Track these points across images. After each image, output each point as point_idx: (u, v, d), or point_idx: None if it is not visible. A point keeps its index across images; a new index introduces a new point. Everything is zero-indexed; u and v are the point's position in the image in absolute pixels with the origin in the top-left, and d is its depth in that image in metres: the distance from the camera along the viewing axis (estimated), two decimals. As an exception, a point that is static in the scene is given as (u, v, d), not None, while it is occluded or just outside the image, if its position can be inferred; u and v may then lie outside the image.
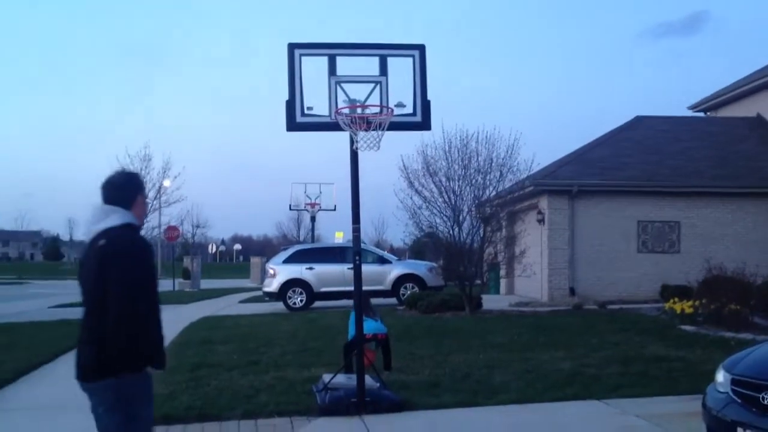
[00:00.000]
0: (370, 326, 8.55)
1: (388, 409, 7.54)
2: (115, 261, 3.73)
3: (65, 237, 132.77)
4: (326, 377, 8.28)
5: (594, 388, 8.43)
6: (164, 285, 38.21)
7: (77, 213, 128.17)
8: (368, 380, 7.95)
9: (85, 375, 3.87)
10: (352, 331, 8.58)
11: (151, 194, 29.29)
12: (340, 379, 8.07)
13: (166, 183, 30.94)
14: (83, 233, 4.00)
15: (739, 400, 4.77)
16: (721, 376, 5.12)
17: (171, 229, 38.77)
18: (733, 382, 4.90)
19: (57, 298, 28.11)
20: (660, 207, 21.47)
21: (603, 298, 19.63)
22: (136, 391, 3.82)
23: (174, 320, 17.96)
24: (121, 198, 3.95)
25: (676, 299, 15.45)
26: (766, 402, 4.52)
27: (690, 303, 14.68)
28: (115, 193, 3.97)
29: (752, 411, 4.60)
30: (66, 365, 11.41)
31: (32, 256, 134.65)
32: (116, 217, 3.88)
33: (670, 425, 6.75)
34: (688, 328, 13.66)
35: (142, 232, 4.13)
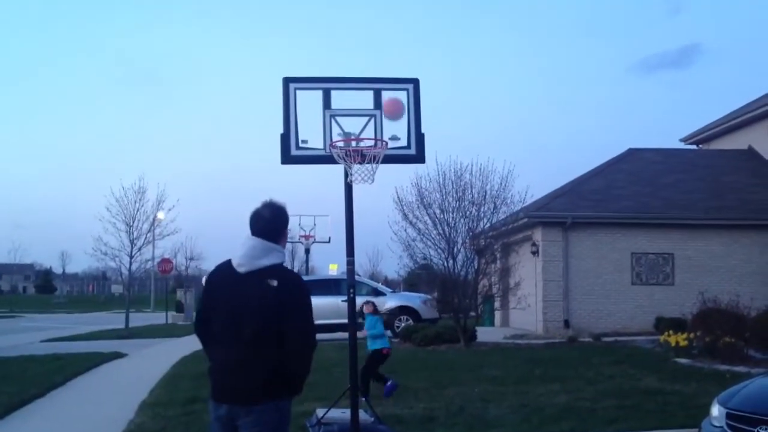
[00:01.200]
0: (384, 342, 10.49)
1: (383, 444, 7.48)
2: (295, 300, 4.00)
3: (58, 270, 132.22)
4: (320, 412, 8.22)
5: (589, 422, 8.39)
6: (157, 318, 38.09)
7: (70, 246, 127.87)
8: (362, 415, 7.88)
9: (245, 400, 3.98)
10: (371, 345, 10.61)
11: (144, 227, 29.11)
12: (334, 413, 8.01)
13: (160, 215, 30.79)
14: (238, 264, 4.07)
15: (735, 434, 4.75)
16: (716, 410, 5.10)
17: (164, 261, 38.66)
18: (728, 416, 4.89)
19: (49, 332, 27.94)
20: (653, 239, 21.54)
21: (598, 330, 19.60)
22: (286, 416, 4.08)
23: (167, 353, 17.86)
24: (272, 231, 4.13)
25: (671, 332, 15.43)
26: (761, 436, 4.50)
27: (684, 336, 14.66)
28: (267, 226, 4.13)
29: (748, 445, 4.59)
30: (59, 400, 11.34)
31: (24, 289, 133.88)
32: (276, 256, 4.10)
33: (666, 459, 6.71)
34: (682, 360, 13.62)
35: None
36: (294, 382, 4.05)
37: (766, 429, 4.50)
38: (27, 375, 13.57)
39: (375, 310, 11.18)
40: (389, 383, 10.48)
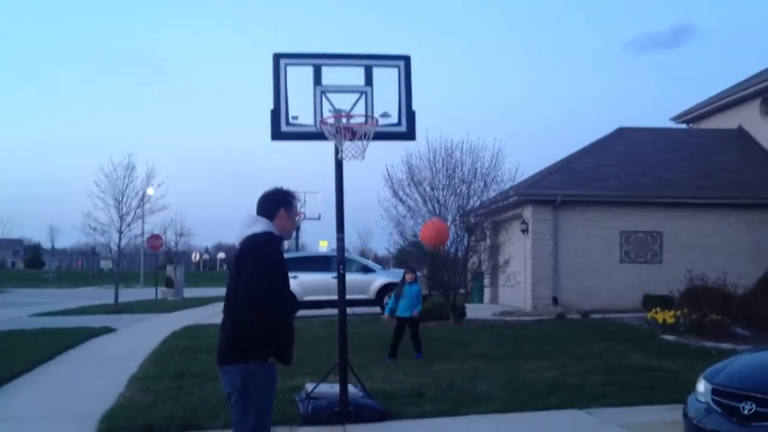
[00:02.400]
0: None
1: (371, 419, 7.53)
2: (246, 260, 4.31)
3: (47, 245, 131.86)
4: (309, 386, 8.27)
5: (577, 398, 8.46)
6: (147, 294, 38.07)
7: (59, 221, 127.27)
8: (351, 389, 7.94)
9: (218, 359, 4.37)
10: (401, 311, 12.02)
11: (133, 203, 28.98)
12: (323, 388, 8.05)
13: (150, 191, 30.69)
14: (234, 238, 4.69)
15: (720, 410, 4.81)
16: (701, 386, 5.16)
17: (154, 237, 38.55)
18: (714, 392, 4.94)
19: (38, 307, 27.92)
20: (642, 217, 21.63)
21: (586, 307, 19.72)
22: (259, 379, 4.28)
23: (156, 329, 17.90)
24: (265, 210, 4.54)
25: (658, 309, 15.55)
26: (745, 412, 4.56)
27: (672, 313, 14.78)
28: (262, 205, 4.57)
29: (732, 420, 4.64)
30: (48, 374, 11.36)
31: (13, 264, 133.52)
32: (260, 226, 4.45)
33: (652, 435, 6.79)
34: (669, 337, 13.74)
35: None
36: (249, 343, 4.20)
37: (750, 404, 4.55)
38: (16, 349, 13.58)
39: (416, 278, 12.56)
40: (391, 359, 11.55)
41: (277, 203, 4.57)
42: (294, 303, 4.72)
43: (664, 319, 14.74)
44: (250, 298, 4.18)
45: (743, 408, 4.58)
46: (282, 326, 4.30)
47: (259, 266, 4.25)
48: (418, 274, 21.87)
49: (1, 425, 7.91)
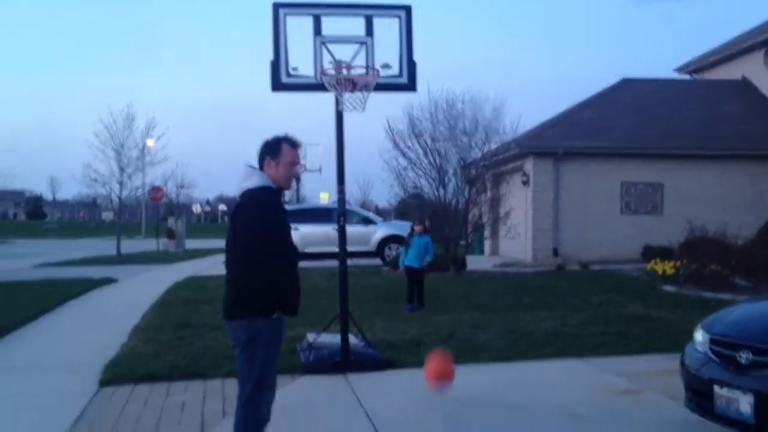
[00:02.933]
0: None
1: (372, 368, 7.61)
2: (241, 216, 4.32)
3: (48, 196, 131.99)
4: (311, 336, 8.35)
5: (575, 347, 8.55)
6: (149, 245, 38.21)
7: (60, 172, 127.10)
8: (352, 339, 8.01)
9: (224, 313, 4.39)
10: (408, 260, 12.20)
11: (134, 154, 28.90)
12: (325, 338, 8.13)
13: (150, 143, 30.59)
14: (234, 191, 4.67)
15: (717, 359, 4.85)
16: (699, 336, 5.19)
17: (155, 189, 38.55)
18: (712, 341, 4.98)
19: (41, 258, 28.04)
20: (644, 169, 21.58)
21: (586, 258, 19.80)
22: (263, 335, 4.26)
23: (158, 280, 18.00)
24: (258, 161, 4.48)
25: (658, 260, 15.61)
26: (742, 361, 4.60)
27: (671, 264, 14.84)
28: (257, 156, 4.51)
29: (729, 369, 4.69)
30: (51, 324, 11.46)
31: (15, 216, 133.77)
32: (255, 180, 4.39)
33: (649, 383, 6.86)
34: (669, 288, 13.82)
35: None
36: (248, 299, 4.21)
37: (748, 353, 4.59)
38: (19, 300, 13.68)
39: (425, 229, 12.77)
40: (411, 307, 11.93)
41: (263, 153, 4.49)
42: (295, 255, 4.60)
43: (664, 270, 14.81)
44: (245, 255, 4.20)
45: (740, 357, 4.62)
46: (281, 281, 4.25)
47: (253, 222, 4.24)
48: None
49: (4, 375, 8.00)
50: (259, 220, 4.25)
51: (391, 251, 20.97)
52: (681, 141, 21.73)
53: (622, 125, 22.42)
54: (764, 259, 13.40)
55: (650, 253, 18.31)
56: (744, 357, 4.60)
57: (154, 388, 7.08)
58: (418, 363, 7.88)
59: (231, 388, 7.05)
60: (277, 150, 4.44)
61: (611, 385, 6.98)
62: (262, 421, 4.38)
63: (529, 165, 21.69)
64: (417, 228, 12.45)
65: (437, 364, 5.40)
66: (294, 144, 4.50)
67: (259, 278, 4.18)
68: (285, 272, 4.29)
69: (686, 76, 29.62)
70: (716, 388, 4.69)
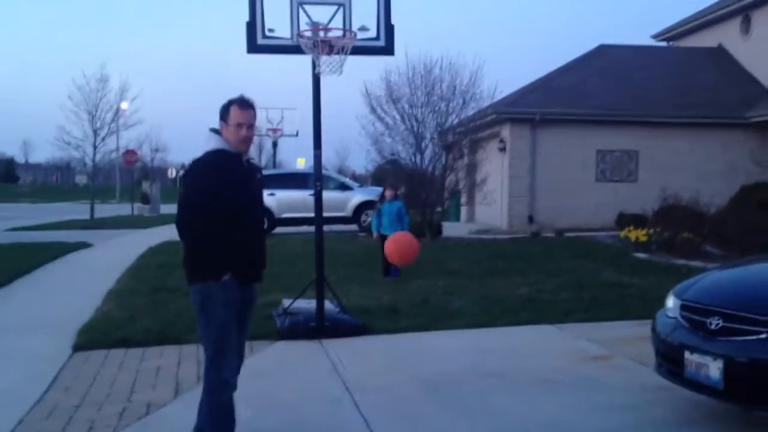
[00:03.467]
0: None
1: (347, 333, 7.64)
2: (184, 179, 4.41)
3: (20, 159, 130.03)
4: (286, 302, 8.35)
5: (548, 314, 8.63)
6: (123, 209, 37.93)
7: (32, 135, 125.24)
8: (328, 305, 8.03)
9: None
10: (382, 228, 11.73)
11: (107, 117, 28.58)
12: (300, 304, 8.14)
13: (124, 105, 30.26)
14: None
15: (687, 325, 4.91)
16: (671, 302, 5.26)
17: (129, 153, 38.20)
18: (683, 307, 5.04)
19: (14, 221, 27.74)
20: (620, 136, 21.67)
21: (561, 225, 19.92)
22: (216, 298, 4.25)
23: (133, 244, 17.88)
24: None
25: (632, 228, 15.75)
26: (712, 327, 4.66)
27: (645, 231, 14.99)
28: None
29: (699, 335, 4.75)
30: (24, 288, 11.37)
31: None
32: (212, 143, 4.35)
33: (620, 349, 6.95)
34: (641, 255, 13.97)
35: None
36: (193, 261, 4.27)
37: (717, 319, 4.66)
38: (-8, 264, 13.54)
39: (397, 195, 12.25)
40: (389, 277, 11.48)
41: (219, 116, 4.41)
42: (258, 218, 4.55)
43: (637, 238, 14.95)
44: (184, 218, 4.28)
45: (710, 323, 4.68)
46: (220, 243, 4.23)
47: (191, 184, 4.30)
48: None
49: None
50: (196, 183, 4.27)
51: (367, 217, 20.91)
52: (656, 108, 21.82)
53: (598, 92, 22.45)
54: (736, 227, 13.56)
55: (624, 220, 18.47)
56: (714, 323, 4.67)
57: (129, 353, 7.07)
58: (393, 329, 7.96)
59: (206, 352, 7.07)
60: (226, 112, 4.35)
61: (583, 350, 7.07)
62: (225, 383, 4.35)
63: (506, 131, 21.70)
64: (388, 194, 12.00)
65: (400, 251, 5.07)
66: (242, 105, 4.36)
67: (197, 241, 4.24)
68: (231, 235, 4.25)
69: (663, 43, 29.65)
70: (686, 354, 4.75)
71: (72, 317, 8.52)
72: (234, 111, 4.33)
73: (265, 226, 4.42)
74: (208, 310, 4.26)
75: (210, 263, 4.24)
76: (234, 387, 4.44)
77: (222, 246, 4.23)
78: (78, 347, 7.23)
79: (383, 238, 11.52)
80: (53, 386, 6.02)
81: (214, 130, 4.42)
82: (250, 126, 4.36)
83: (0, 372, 6.47)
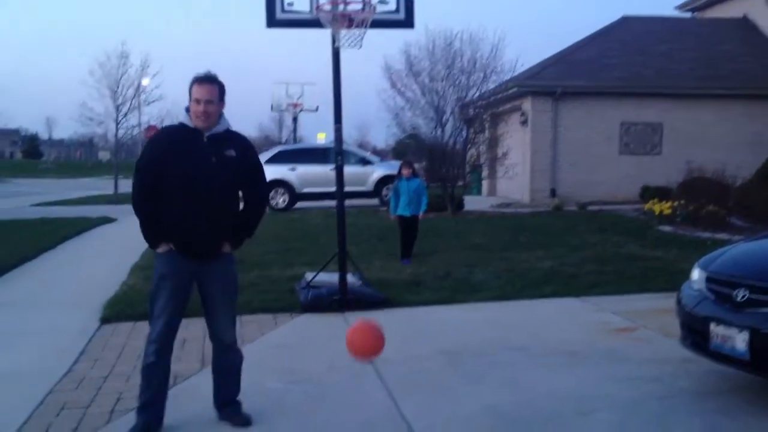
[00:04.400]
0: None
1: (370, 306, 7.67)
2: None
3: (44, 136, 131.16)
4: (309, 275, 8.39)
5: (572, 287, 8.61)
6: (146, 185, 38.15)
7: (55, 111, 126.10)
8: (350, 278, 8.06)
9: None
10: (400, 209, 10.75)
11: (129, 93, 28.73)
12: (323, 277, 8.17)
13: (145, 82, 30.33)
14: None
15: (713, 297, 4.88)
16: (696, 274, 5.22)
17: (151, 128, 38.21)
18: (708, 279, 5.01)
19: (39, 197, 28.05)
20: (643, 109, 21.44)
21: (583, 199, 19.81)
22: (157, 268, 4.42)
23: (156, 220, 18.01)
24: None
25: (656, 200, 15.63)
26: (738, 298, 4.63)
27: (669, 204, 14.86)
28: None
29: (724, 307, 4.72)
30: (50, 262, 11.51)
31: (11, 155, 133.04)
32: (180, 119, 4.42)
33: (644, 321, 6.93)
34: (666, 228, 13.87)
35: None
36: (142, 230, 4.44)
37: (744, 291, 4.62)
38: (18, 238, 13.71)
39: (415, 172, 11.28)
40: (407, 261, 10.62)
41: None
42: (195, 194, 4.30)
43: (661, 210, 14.83)
44: (132, 190, 4.44)
45: (736, 295, 4.65)
46: (154, 214, 4.35)
47: (140, 156, 4.46)
48: (417, 166, 21.95)
49: (6, 312, 8.05)
50: (142, 153, 4.46)
51: (388, 191, 20.90)
52: (680, 80, 21.55)
53: (621, 64, 22.19)
54: (761, 199, 13.41)
55: (648, 193, 18.33)
56: (740, 295, 4.63)
57: (154, 326, 7.14)
58: (415, 302, 7.98)
59: (230, 325, 7.13)
60: (190, 88, 4.35)
61: (607, 323, 7.05)
62: (149, 345, 4.44)
63: (527, 105, 21.53)
64: (405, 171, 10.89)
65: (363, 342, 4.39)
66: (201, 81, 4.32)
67: (139, 210, 4.40)
68: (171, 207, 4.29)
69: (687, 14, 29.20)
70: (712, 326, 4.73)
71: (98, 291, 8.62)
72: (193, 87, 4.31)
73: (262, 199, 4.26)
74: (154, 280, 4.44)
75: (148, 233, 4.38)
76: (153, 360, 4.41)
77: (160, 217, 4.31)
78: (105, 320, 7.32)
79: (402, 219, 10.78)
80: (81, 358, 6.11)
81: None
82: (208, 102, 4.28)
83: (29, 345, 6.57)
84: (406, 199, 10.76)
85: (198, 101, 4.27)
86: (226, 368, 4.64)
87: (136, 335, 6.79)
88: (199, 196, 4.27)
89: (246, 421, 4.52)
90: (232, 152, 4.38)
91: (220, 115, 4.42)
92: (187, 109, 4.37)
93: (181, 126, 4.38)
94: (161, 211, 4.30)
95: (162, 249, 4.35)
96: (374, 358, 4.53)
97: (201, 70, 4.41)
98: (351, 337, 4.34)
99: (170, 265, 4.35)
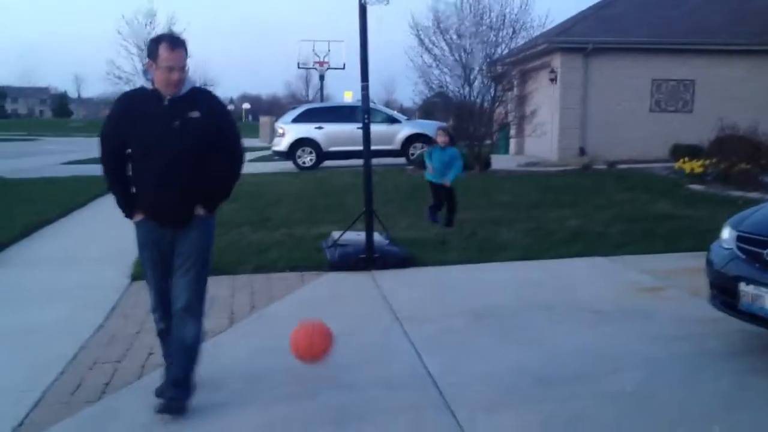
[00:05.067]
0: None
1: (396, 265, 7.69)
2: None
3: (73, 94, 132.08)
4: (335, 234, 8.42)
5: (599, 246, 8.55)
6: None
7: (83, 70, 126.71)
8: (377, 237, 8.07)
9: None
10: (432, 176, 9.80)
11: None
12: (350, 236, 8.19)
13: (172, 40, 30.44)
14: None
15: (743, 256, 4.83)
16: (726, 233, 5.16)
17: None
18: (739, 238, 4.94)
19: (68, 155, 28.31)
20: (675, 65, 21.06)
21: (613, 157, 19.60)
22: (137, 236, 4.28)
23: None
24: None
25: (687, 159, 15.42)
26: (769, 258, 4.57)
27: (700, 162, 14.67)
28: None
29: (755, 266, 4.67)
30: (82, 220, 11.66)
31: (41, 113, 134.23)
32: (141, 83, 4.23)
33: (673, 280, 6.88)
34: (696, 187, 13.69)
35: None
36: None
37: (775, 251, 4.57)
38: (50, 196, 13.88)
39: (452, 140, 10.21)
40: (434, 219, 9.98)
41: (147, 53, 4.09)
42: (158, 161, 4.04)
43: (692, 169, 14.64)
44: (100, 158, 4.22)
45: (767, 254, 4.59)
46: (124, 185, 4.20)
47: (104, 123, 4.18)
48: (444, 124, 21.78)
49: (37, 269, 8.18)
50: (106, 120, 4.17)
51: (415, 150, 20.84)
52: (713, 35, 21.08)
53: (653, 19, 21.74)
54: (795, 158, 13.19)
55: (679, 151, 18.09)
56: (771, 254, 4.57)
57: (183, 283, 7.22)
58: (441, 261, 7.98)
59: (258, 283, 7.21)
60: (155, 52, 3.95)
61: (635, 282, 7.01)
62: (156, 324, 4.40)
63: (557, 61, 21.23)
64: (440, 140, 9.92)
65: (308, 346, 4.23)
66: (173, 44, 3.95)
67: (108, 179, 4.22)
68: (136, 175, 4.13)
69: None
70: (742, 285, 4.68)
71: (128, 248, 8.63)
72: (164, 51, 3.92)
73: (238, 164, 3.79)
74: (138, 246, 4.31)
75: (119, 203, 4.26)
76: (161, 326, 4.34)
77: (128, 186, 4.19)
78: (135, 277, 7.40)
79: (433, 186, 9.90)
80: (113, 314, 6.21)
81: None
82: (182, 68, 3.95)
83: (61, 301, 6.68)
84: (441, 168, 9.73)
85: (171, 69, 3.92)
86: (180, 341, 4.16)
87: (166, 292, 6.89)
88: (163, 162, 4.00)
89: (178, 409, 4.05)
90: (196, 113, 4.02)
91: None
92: (145, 72, 4.14)
93: (142, 90, 4.10)
94: (131, 180, 4.17)
95: (138, 218, 4.20)
96: (321, 357, 4.22)
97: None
98: (296, 339, 4.18)
99: (148, 234, 4.21)
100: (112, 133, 4.09)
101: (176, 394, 4.05)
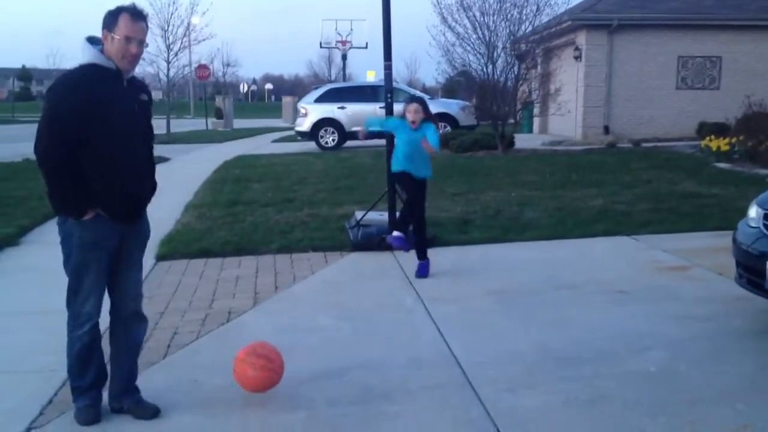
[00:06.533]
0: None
1: (420, 245, 7.67)
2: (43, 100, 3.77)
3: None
4: (358, 214, 8.43)
5: (624, 225, 8.49)
6: (198, 124, 38.55)
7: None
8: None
9: None
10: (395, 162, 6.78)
11: (179, 32, 28.86)
12: (372, 216, 8.20)
13: (195, 20, 30.41)
14: None
15: (771, 235, 4.78)
16: (753, 212, 5.10)
17: (201, 67, 38.53)
18: (766, 217, 4.89)
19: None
20: (702, 41, 20.74)
21: (638, 136, 19.42)
22: (74, 238, 3.68)
23: (209, 158, 18.26)
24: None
25: (713, 137, 15.22)
26: (797, 237, 4.52)
27: (726, 140, 14.47)
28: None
29: (782, 245, 4.62)
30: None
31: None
32: (85, 56, 3.63)
33: (699, 259, 6.82)
34: (723, 165, 13.53)
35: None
36: (49, 193, 3.64)
37: (802, 230, 4.51)
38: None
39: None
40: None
41: (103, 24, 3.62)
42: (124, 150, 3.63)
43: (718, 147, 14.46)
44: (36, 147, 3.55)
45: (795, 234, 4.54)
46: (79, 180, 3.54)
47: (47, 110, 3.55)
48: (467, 103, 21.63)
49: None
50: (59, 103, 3.53)
51: (438, 129, 20.68)
52: (740, 11, 20.73)
53: (680, -5, 21.41)
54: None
55: (705, 129, 17.87)
56: (799, 233, 4.52)
57: (209, 263, 7.30)
58: (465, 241, 7.97)
59: (282, 263, 7.25)
60: (114, 21, 3.56)
61: (660, 261, 6.96)
62: (77, 318, 3.76)
63: (581, 39, 21.00)
64: (411, 117, 6.63)
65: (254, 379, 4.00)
66: (135, 15, 3.60)
67: (56, 173, 3.54)
68: (99, 168, 3.56)
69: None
70: (768, 264, 4.63)
71: (153, 229, 8.73)
72: (124, 21, 3.56)
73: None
74: (68, 247, 3.71)
75: (69, 200, 3.60)
76: (92, 337, 3.78)
77: (85, 180, 3.55)
78: (160, 257, 7.48)
79: (397, 177, 6.96)
80: (138, 295, 6.26)
81: (93, 39, 3.66)
82: (141, 42, 3.62)
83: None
84: (406, 150, 6.71)
85: (130, 40, 3.56)
86: (134, 342, 3.96)
87: (190, 272, 6.96)
88: (130, 148, 3.66)
89: (155, 412, 3.88)
90: (144, 96, 3.79)
91: None
92: (93, 40, 3.65)
93: (96, 67, 3.60)
94: (83, 173, 3.55)
95: (90, 215, 3.60)
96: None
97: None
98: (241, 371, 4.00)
99: (100, 232, 3.65)
100: (70, 116, 3.48)
101: (141, 397, 3.94)
